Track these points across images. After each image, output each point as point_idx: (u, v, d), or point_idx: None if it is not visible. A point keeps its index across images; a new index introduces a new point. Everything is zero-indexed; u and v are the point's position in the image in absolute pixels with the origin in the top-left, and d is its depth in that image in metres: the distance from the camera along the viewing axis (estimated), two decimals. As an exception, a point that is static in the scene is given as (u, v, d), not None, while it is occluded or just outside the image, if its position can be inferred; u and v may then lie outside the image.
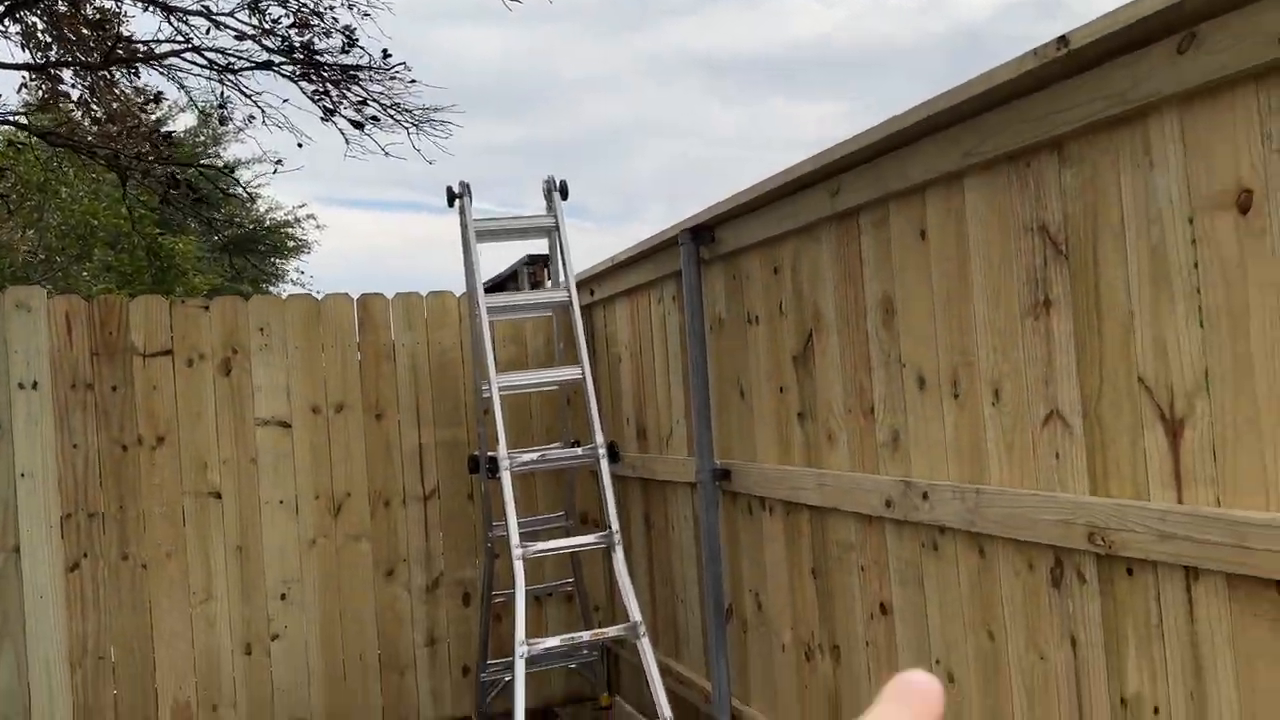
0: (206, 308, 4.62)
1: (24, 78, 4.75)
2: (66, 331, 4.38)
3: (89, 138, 4.07)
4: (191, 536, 4.50)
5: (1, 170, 5.30)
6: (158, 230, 8.08)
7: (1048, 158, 2.06)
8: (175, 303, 4.62)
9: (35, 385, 4.30)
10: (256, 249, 13.31)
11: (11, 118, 4.06)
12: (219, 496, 4.55)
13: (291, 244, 14.99)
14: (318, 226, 16.48)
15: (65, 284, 7.22)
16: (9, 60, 3.85)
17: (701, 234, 3.55)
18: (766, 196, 3.08)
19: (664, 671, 3.68)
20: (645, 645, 3.60)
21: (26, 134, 4.12)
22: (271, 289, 14.61)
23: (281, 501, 4.64)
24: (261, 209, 10.99)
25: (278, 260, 16.27)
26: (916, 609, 2.58)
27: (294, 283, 16.54)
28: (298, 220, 15.32)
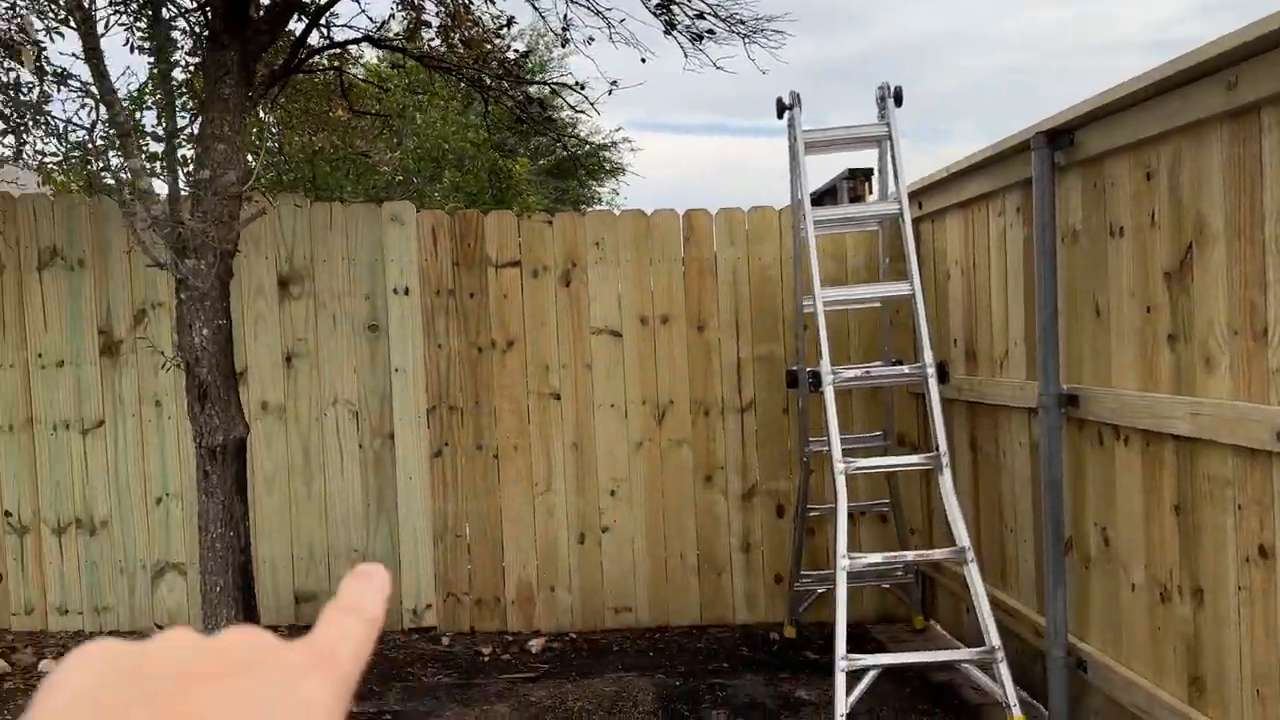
0: (550, 222, 4.93)
1: (392, 7, 5.20)
2: (432, 243, 4.85)
3: (449, 61, 4.41)
4: (535, 432, 4.90)
5: (384, 89, 5.91)
6: (497, 154, 8.72)
7: None
8: (522, 218, 4.98)
9: (407, 291, 4.81)
10: (577, 173, 13.99)
11: (395, 41, 4.48)
12: (558, 398, 4.91)
13: (608, 167, 15.61)
14: (632, 150, 17.03)
15: (420, 201, 8.00)
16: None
17: (1058, 137, 3.28)
18: (1141, 93, 2.78)
19: (990, 601, 3.56)
20: (973, 571, 3.50)
21: (403, 57, 4.53)
22: (591, 210, 15.31)
23: (612, 405, 4.93)
24: (583, 132, 11.52)
25: (594, 184, 17.03)
26: (1307, 555, 2.31)
27: (610, 205, 17.27)
28: (614, 144, 15.91)
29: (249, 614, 3.60)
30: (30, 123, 4.39)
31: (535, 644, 4.75)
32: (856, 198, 5.55)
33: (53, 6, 3.17)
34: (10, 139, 4.45)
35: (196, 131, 3.66)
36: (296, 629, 4.83)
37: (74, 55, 3.24)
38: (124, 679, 0.30)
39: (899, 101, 4.06)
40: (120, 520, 4.83)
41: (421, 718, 3.91)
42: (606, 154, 15.28)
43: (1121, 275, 3.03)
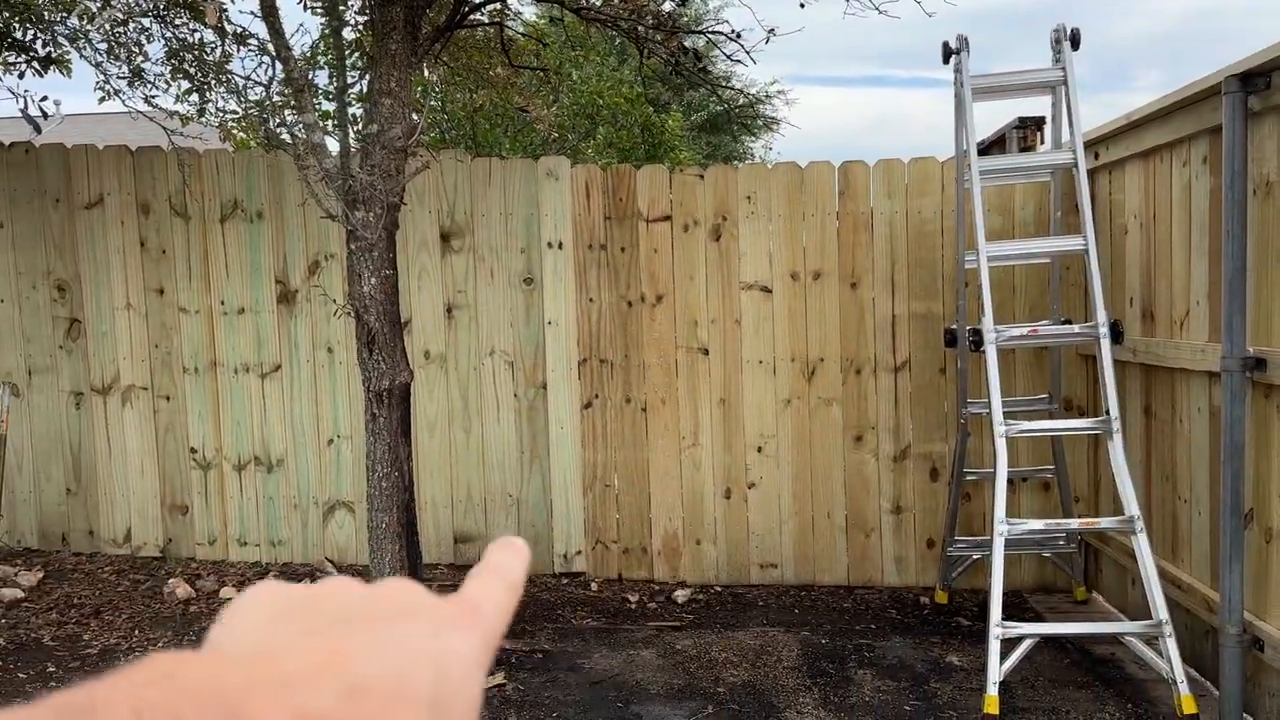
0: (701, 176, 4.90)
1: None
2: (585, 198, 4.91)
3: (605, 14, 4.42)
4: (682, 387, 4.93)
5: (543, 44, 6.00)
6: (649, 109, 8.72)
7: None
8: (674, 172, 4.97)
9: (560, 245, 4.89)
10: (730, 127, 13.84)
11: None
12: (706, 353, 4.91)
13: (761, 121, 15.39)
14: (787, 103, 16.72)
15: (575, 158, 8.10)
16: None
17: (1253, 80, 3.02)
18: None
19: (1158, 573, 3.38)
20: (1142, 541, 3.32)
21: (561, 10, 4.57)
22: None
23: (761, 361, 4.89)
24: (738, 84, 11.38)
25: (746, 139, 16.84)
26: None
27: (763, 160, 17.03)
28: (768, 97, 15.67)
29: (412, 551, 3.78)
30: (213, 81, 4.66)
31: (681, 594, 4.81)
32: (1027, 148, 5.28)
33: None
34: (195, 97, 4.75)
35: (365, 88, 3.81)
36: (455, 568, 5.05)
37: (252, 14, 3.42)
38: (290, 616, 0.33)
39: (1075, 44, 3.82)
40: (295, 459, 5.14)
41: (570, 658, 4.03)
42: (761, 107, 15.08)
43: (1325, 228, 2.78)
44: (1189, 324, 3.65)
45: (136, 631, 4.31)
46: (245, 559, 5.21)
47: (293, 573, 5.07)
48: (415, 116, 3.60)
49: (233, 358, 5.13)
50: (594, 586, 4.94)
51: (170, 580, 4.82)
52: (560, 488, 4.98)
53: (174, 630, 4.34)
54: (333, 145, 3.71)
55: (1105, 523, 3.54)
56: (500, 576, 0.38)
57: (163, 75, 4.77)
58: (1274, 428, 3.08)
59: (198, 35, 4.37)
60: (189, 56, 4.53)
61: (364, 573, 4.63)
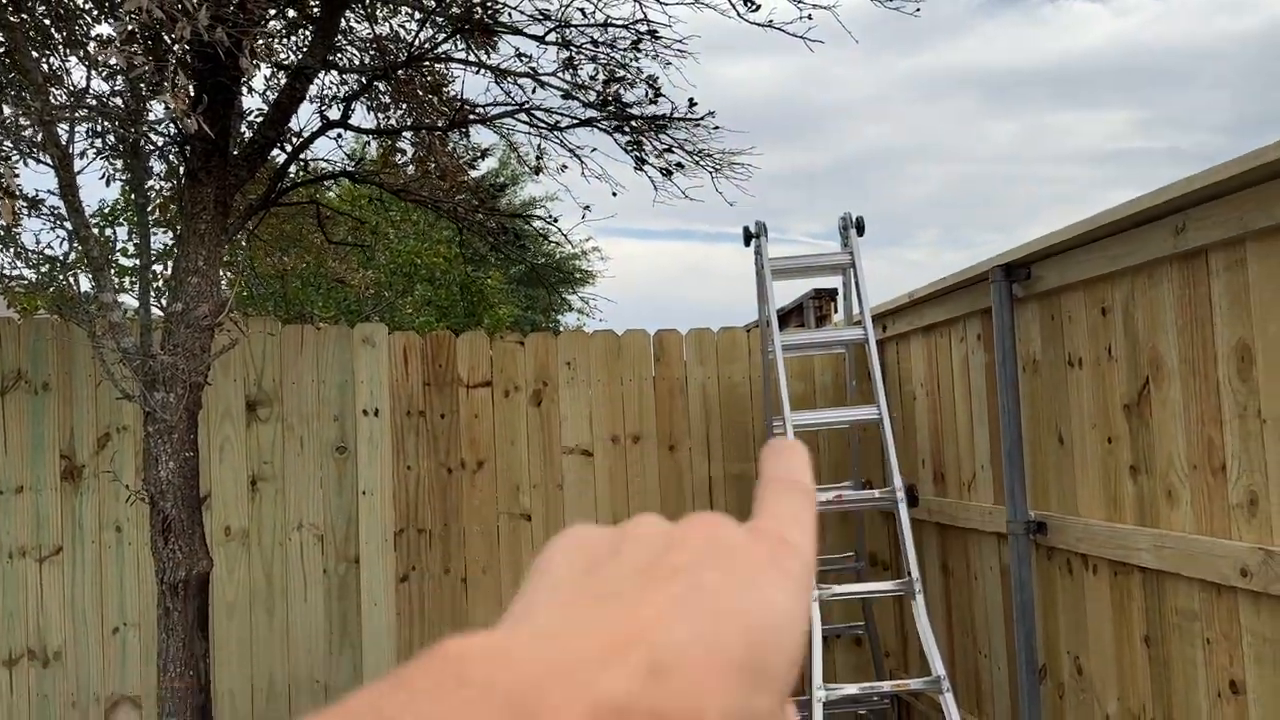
0: (522, 343, 4.97)
1: (368, 140, 5.33)
2: (404, 364, 4.86)
3: (423, 193, 4.51)
4: (505, 555, 4.84)
5: (360, 222, 6.01)
6: (468, 268, 8.85)
7: None
8: (495, 338, 5.02)
9: (377, 413, 4.80)
10: (549, 283, 14.18)
11: (372, 176, 4.57)
12: (529, 518, 4.86)
13: (578, 275, 15.84)
14: (602, 259, 17.34)
15: (391, 317, 8.04)
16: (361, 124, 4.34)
17: (1015, 270, 3.39)
18: (1094, 233, 2.89)
19: (968, 729, 3.52)
20: (949, 701, 3.46)
21: (379, 190, 4.63)
22: (561, 319, 15.53)
23: (582, 527, 4.88)
24: (552, 245, 11.73)
25: (564, 292, 17.24)
26: (1277, 692, 2.31)
27: (580, 312, 17.44)
28: (584, 254, 16.16)
29: (206, 755, 3.46)
30: None
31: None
32: (822, 316, 5.66)
33: (30, 143, 3.22)
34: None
35: (170, 263, 3.69)
36: (254, 765, 4.65)
37: (50, 192, 3.29)
38: (597, 567, 0.30)
39: (860, 231, 4.18)
40: (75, 651, 4.67)
41: None
42: (576, 264, 15.57)
43: (1083, 406, 3.09)
44: (975, 486, 3.93)
45: None
46: (9, 768, 4.62)
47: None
48: (226, 291, 3.50)
49: (7, 541, 4.67)
50: (410, 775, 4.64)
51: (-87, 803, 4.20)
52: (374, 670, 4.72)
53: None
54: (129, 300, 3.55)
55: (915, 684, 3.67)
56: (791, 486, 0.33)
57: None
58: (1058, 587, 3.33)
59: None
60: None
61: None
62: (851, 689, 3.62)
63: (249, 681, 4.71)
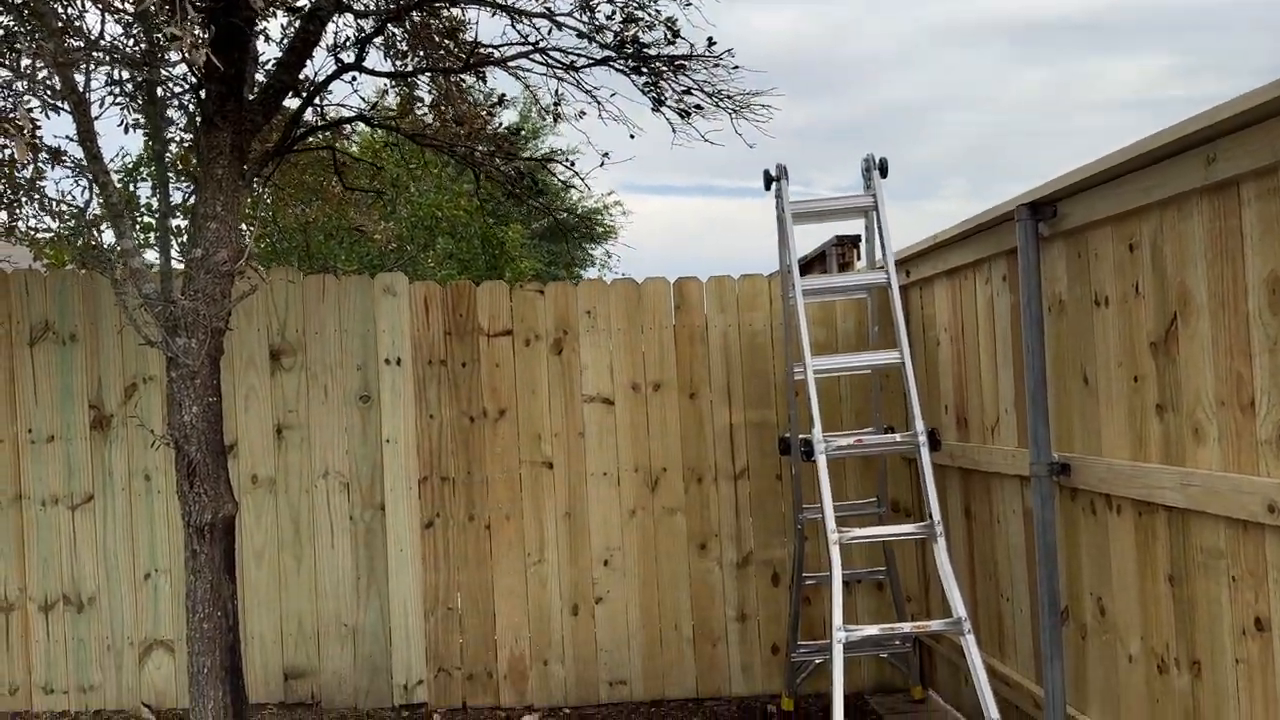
0: (541, 292, 4.96)
1: (386, 85, 5.29)
2: (425, 313, 4.87)
3: (441, 139, 4.48)
4: (527, 502, 4.87)
5: (378, 168, 6.00)
6: (490, 220, 8.82)
7: None
8: (515, 288, 5.01)
9: (399, 361, 4.82)
10: (571, 235, 14.14)
11: (389, 121, 4.55)
12: (550, 466, 4.89)
13: (600, 230, 15.81)
14: (624, 213, 17.26)
15: (413, 270, 8.05)
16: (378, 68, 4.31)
17: (1041, 209, 3.33)
18: (1122, 167, 2.83)
19: (986, 671, 3.52)
20: (970, 643, 3.46)
21: (397, 135, 4.61)
22: (583, 273, 15.54)
23: (605, 473, 4.91)
24: (574, 197, 11.68)
25: (587, 246, 17.22)
26: (1304, 629, 2.29)
27: (603, 266, 17.42)
28: (606, 208, 16.13)
29: (237, 694, 3.54)
30: (23, 199, 4.42)
31: (528, 719, 4.67)
32: (845, 263, 5.60)
33: (46, 88, 3.21)
34: (3, 215, 4.49)
35: (190, 208, 3.70)
36: (285, 706, 4.74)
37: (68, 137, 3.29)
38: None
39: (884, 173, 4.12)
40: (108, 597, 4.77)
41: (412, 799, 3.82)
42: (598, 218, 15.52)
43: (1109, 345, 3.05)
44: (999, 430, 3.90)
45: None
46: (52, 708, 4.75)
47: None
48: (245, 237, 3.51)
49: (40, 489, 4.76)
50: (437, 718, 4.73)
51: (-43, 741, 4.33)
52: (400, 614, 4.79)
53: (-41, 801, 3.88)
54: (151, 255, 3.57)
55: (936, 625, 3.67)
56: None
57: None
58: (1081, 529, 3.30)
59: (7, 152, 4.16)
60: (-4, 173, 4.29)
61: (184, 717, 4.29)
62: (872, 630, 3.63)
63: (278, 626, 4.79)
